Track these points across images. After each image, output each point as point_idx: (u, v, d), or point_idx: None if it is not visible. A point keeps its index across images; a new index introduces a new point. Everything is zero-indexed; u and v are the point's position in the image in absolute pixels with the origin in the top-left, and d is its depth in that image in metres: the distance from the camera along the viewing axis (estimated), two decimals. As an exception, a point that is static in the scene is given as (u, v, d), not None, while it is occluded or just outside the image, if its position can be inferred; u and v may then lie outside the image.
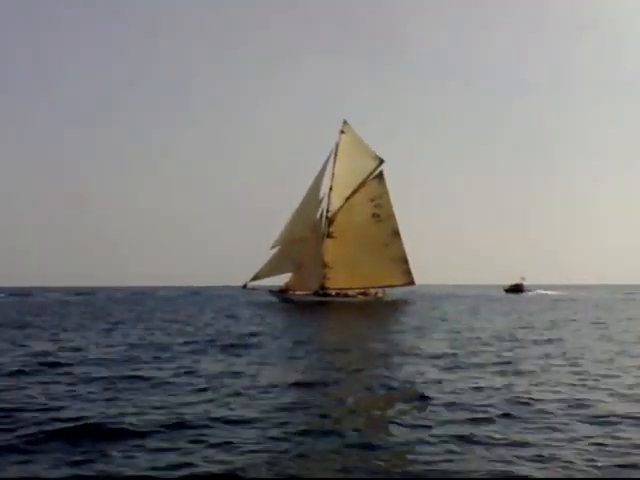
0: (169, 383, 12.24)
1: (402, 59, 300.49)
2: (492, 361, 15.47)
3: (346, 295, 60.10)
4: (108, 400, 10.53)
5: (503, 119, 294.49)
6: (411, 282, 62.27)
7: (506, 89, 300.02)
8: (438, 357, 16.26)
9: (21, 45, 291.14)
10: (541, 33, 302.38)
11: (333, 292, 59.92)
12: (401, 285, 62.68)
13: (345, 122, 59.88)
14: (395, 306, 53.19)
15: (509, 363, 15.13)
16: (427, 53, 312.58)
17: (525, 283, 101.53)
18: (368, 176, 60.13)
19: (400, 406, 10.28)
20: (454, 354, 16.86)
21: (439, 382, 12.26)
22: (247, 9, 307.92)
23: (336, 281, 59.90)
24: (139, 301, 71.30)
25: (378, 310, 47.28)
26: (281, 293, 59.53)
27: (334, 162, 59.18)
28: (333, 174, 59.22)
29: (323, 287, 59.55)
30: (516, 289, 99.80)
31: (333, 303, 55.93)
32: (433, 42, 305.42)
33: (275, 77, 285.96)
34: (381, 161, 60.36)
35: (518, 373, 13.60)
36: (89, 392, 11.24)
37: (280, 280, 60.45)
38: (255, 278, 59.11)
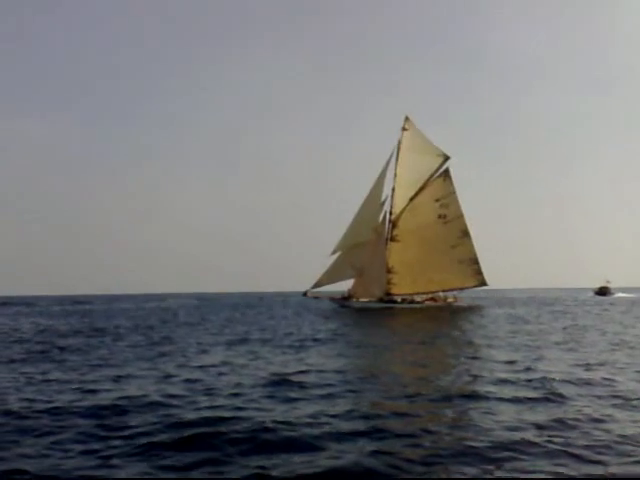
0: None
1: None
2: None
3: (412, 301, 56.89)
4: None
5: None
6: (482, 283, 58.10)
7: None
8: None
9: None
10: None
11: (398, 298, 56.89)
12: (472, 287, 58.60)
13: (407, 118, 56.45)
14: (471, 312, 49.36)
15: None
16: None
17: (611, 286, 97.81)
18: (432, 175, 56.55)
19: None
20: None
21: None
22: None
23: (401, 286, 56.84)
24: (213, 307, 71.48)
25: (448, 316, 43.76)
26: (343, 300, 57.08)
27: (396, 161, 56.03)
28: (395, 174, 56.08)
29: (388, 293, 56.64)
30: (602, 292, 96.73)
31: (398, 310, 52.84)
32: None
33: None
34: (446, 158, 56.55)
35: None
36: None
37: (341, 287, 58.08)
38: (316, 285, 56.97)
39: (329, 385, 12.92)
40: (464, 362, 16.77)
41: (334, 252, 55.91)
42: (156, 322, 39.88)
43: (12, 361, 18.13)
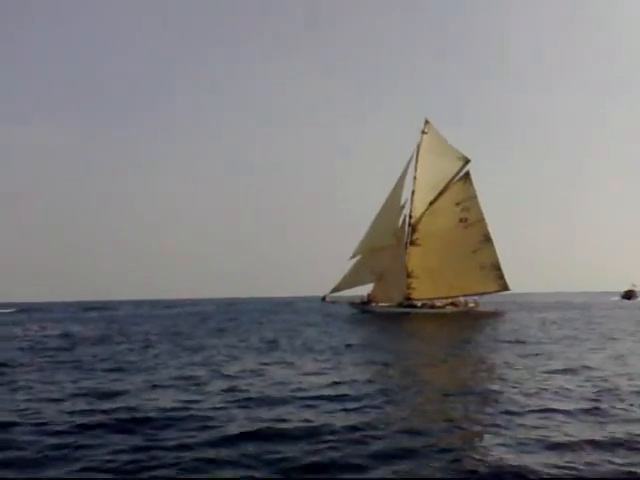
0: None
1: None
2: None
3: (432, 306, 56.19)
4: None
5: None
6: (505, 288, 57.20)
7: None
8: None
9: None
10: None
11: (419, 303, 56.23)
12: (493, 292, 57.77)
13: (427, 121, 55.89)
14: (485, 317, 48.62)
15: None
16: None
17: (637, 289, 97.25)
18: (452, 178, 55.89)
19: None
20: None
21: None
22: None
23: (422, 291, 56.14)
24: (238, 311, 71.36)
25: (469, 321, 43.05)
26: (362, 305, 56.50)
27: (416, 164, 55.45)
28: (415, 177, 55.50)
29: (408, 298, 56.00)
30: (628, 295, 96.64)
31: (418, 315, 52.21)
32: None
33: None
34: (467, 161, 55.87)
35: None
36: None
37: (360, 291, 57.53)
38: (335, 290, 56.48)
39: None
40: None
41: (353, 256, 55.45)
42: (187, 328, 39.60)
43: (41, 369, 17.93)
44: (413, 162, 55.17)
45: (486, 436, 9.08)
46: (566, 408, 10.82)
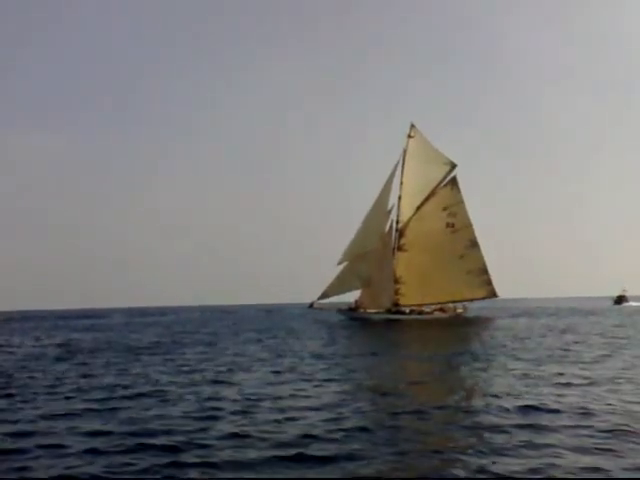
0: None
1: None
2: None
3: (421, 312, 55.63)
4: None
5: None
6: (492, 294, 56.97)
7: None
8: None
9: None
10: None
11: (407, 309, 55.65)
12: (481, 298, 57.51)
13: (412, 125, 55.75)
14: (474, 323, 48.28)
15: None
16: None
17: (628, 294, 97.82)
18: (439, 183, 55.73)
19: None
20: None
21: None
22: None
23: (410, 297, 55.60)
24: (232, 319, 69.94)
25: (457, 328, 42.62)
26: (350, 311, 55.76)
27: (402, 169, 55.18)
28: (402, 182, 55.20)
29: (396, 304, 55.41)
30: (619, 300, 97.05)
31: (407, 321, 51.62)
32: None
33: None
34: (453, 166, 55.78)
35: None
36: None
37: (348, 298, 56.83)
38: (323, 296, 55.69)
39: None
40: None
41: (340, 262, 54.81)
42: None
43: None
44: (400, 166, 54.92)
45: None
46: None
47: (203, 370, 18.52)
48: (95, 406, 12.47)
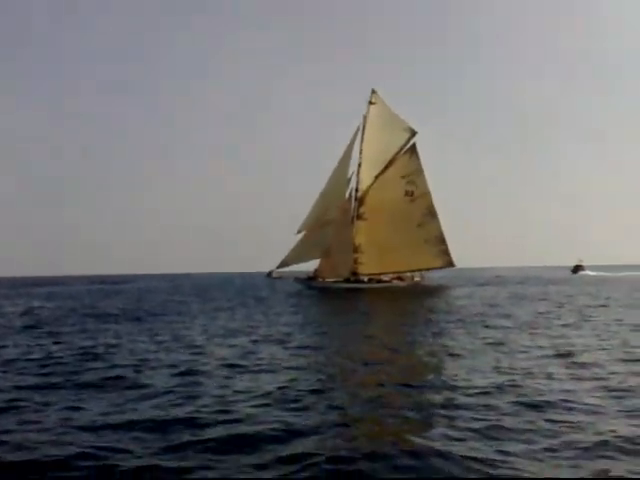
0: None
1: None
2: None
3: (379, 281, 55.55)
4: None
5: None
6: (449, 264, 57.30)
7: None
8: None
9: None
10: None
11: (365, 278, 55.45)
12: (438, 268, 57.84)
13: (374, 91, 54.51)
14: (433, 291, 48.60)
15: None
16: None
17: (583, 264, 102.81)
18: (399, 150, 55.10)
19: None
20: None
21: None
22: None
23: (368, 266, 55.33)
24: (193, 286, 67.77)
25: (413, 296, 42.68)
26: (308, 280, 55.09)
27: (362, 137, 54.14)
28: (361, 150, 54.23)
29: (355, 273, 55.06)
30: (576, 270, 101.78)
31: (364, 290, 51.40)
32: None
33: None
34: (413, 133, 55.17)
35: None
36: None
37: (305, 267, 56.12)
38: (281, 265, 54.71)
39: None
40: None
41: (299, 231, 53.74)
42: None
43: None
44: (360, 134, 53.86)
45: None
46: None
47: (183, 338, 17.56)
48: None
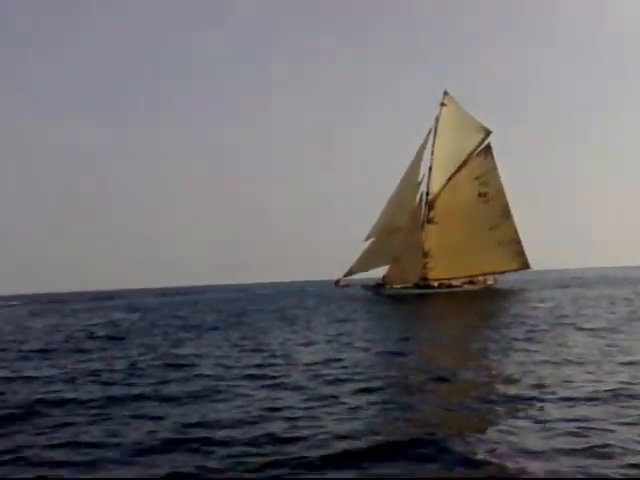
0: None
1: None
2: None
3: (450, 286, 53.84)
4: None
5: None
6: (525, 266, 54.71)
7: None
8: None
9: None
10: None
11: (435, 283, 53.85)
12: (513, 270, 55.36)
13: (446, 92, 51.67)
14: (511, 294, 46.25)
15: None
16: None
17: None
18: (473, 151, 52.30)
19: None
20: None
21: None
22: None
23: (438, 271, 53.61)
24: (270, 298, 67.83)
25: (486, 300, 40.50)
26: (377, 287, 54.00)
27: (434, 139, 51.65)
28: (433, 152, 51.86)
29: (424, 278, 53.54)
30: None
31: (434, 295, 49.85)
32: None
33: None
34: (488, 133, 52.13)
35: None
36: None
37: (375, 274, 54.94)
38: (349, 273, 53.89)
39: None
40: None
41: (368, 238, 52.55)
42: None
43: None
44: (432, 137, 51.40)
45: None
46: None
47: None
48: None
